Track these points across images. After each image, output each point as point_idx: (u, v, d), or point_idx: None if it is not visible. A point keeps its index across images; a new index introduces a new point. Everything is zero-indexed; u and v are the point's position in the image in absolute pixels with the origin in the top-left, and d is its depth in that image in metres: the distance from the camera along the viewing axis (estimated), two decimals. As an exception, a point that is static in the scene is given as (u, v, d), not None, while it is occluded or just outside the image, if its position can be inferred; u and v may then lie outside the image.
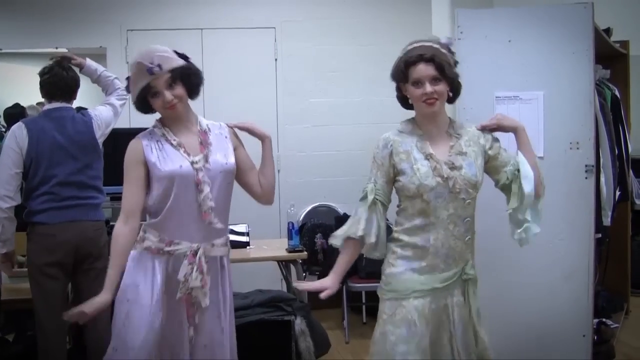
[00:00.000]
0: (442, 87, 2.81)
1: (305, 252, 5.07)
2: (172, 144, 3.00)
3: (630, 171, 5.43)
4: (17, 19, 6.20)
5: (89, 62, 4.29)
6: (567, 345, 4.06)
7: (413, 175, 2.83)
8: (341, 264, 2.98)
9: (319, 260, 6.00)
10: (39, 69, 4.17)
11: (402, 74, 2.85)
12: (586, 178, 4.02)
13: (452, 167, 2.84)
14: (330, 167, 6.41)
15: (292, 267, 5.22)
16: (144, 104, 2.99)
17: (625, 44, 5.66)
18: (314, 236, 6.04)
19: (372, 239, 2.88)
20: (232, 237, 5.15)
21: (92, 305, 2.86)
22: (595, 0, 3.98)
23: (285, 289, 5.59)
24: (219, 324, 3.10)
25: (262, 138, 3.23)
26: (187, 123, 3.07)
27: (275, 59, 6.54)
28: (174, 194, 2.95)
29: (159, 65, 2.88)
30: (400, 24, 6.43)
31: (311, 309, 4.71)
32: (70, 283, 4.10)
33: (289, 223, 5.11)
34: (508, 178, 2.96)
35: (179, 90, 2.95)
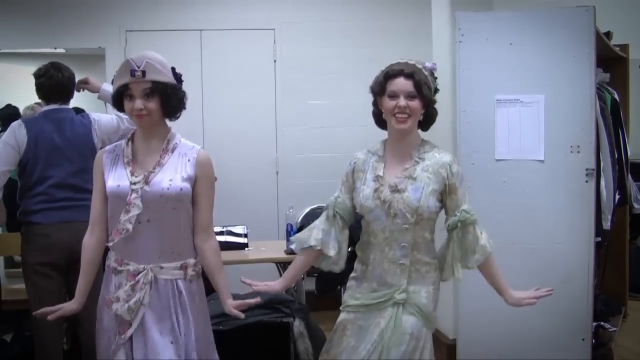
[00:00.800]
0: (416, 104, 2.82)
1: (305, 255, 5.05)
2: (123, 162, 2.99)
3: (629, 175, 5.42)
4: (16, 19, 6.19)
5: (104, 86, 4.27)
6: (567, 348, 4.07)
7: (358, 196, 2.91)
8: (292, 271, 3.14)
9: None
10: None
11: (380, 86, 2.89)
12: (586, 182, 4.02)
13: (395, 189, 2.86)
14: (329, 169, 6.37)
15: (291, 269, 5.20)
16: (118, 102, 2.96)
17: (624, 47, 5.67)
18: (312, 238, 6.02)
19: (331, 252, 2.97)
20: (230, 239, 5.20)
21: (58, 309, 2.96)
22: (595, 3, 3.99)
23: (283, 291, 5.59)
24: (172, 352, 2.97)
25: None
26: (152, 139, 3.00)
27: (274, 61, 6.52)
28: (112, 214, 2.96)
29: (143, 72, 2.83)
30: (400, 26, 6.44)
31: (310, 311, 4.70)
32: (65, 284, 4.09)
33: (287, 225, 5.09)
34: (450, 226, 2.95)
35: (153, 104, 2.88)
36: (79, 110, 4.47)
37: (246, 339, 4.34)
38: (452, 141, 4.48)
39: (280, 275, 5.42)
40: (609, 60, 5.38)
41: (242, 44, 6.48)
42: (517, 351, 4.10)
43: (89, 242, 3.03)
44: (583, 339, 4.04)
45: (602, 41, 4.60)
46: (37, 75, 4.06)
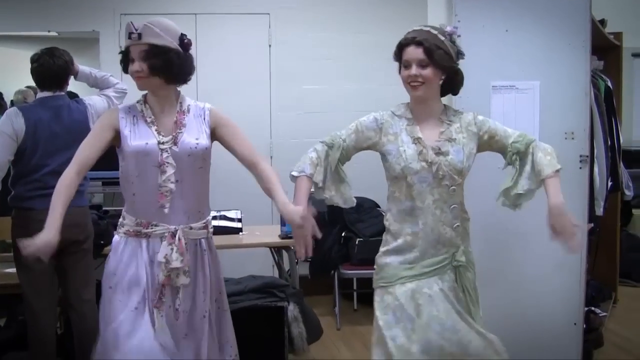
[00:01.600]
0: (428, 72, 2.84)
1: (299, 239, 5.07)
2: (146, 121, 2.99)
3: (621, 162, 5.46)
4: (9, 2, 6.15)
5: (81, 68, 4.28)
6: (558, 333, 4.11)
7: (399, 157, 2.88)
8: (300, 197, 2.97)
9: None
10: (30, 52, 4.14)
11: (396, 55, 2.93)
12: (580, 168, 4.05)
13: (438, 152, 2.88)
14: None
15: (285, 253, 5.23)
16: (124, 66, 3.00)
17: (618, 35, 5.70)
18: (306, 223, 6.04)
19: (318, 178, 2.97)
20: (225, 223, 5.21)
21: (37, 242, 2.81)
22: (590, -9, 4.01)
23: (277, 275, 5.61)
24: (196, 309, 3.06)
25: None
26: (166, 103, 3.04)
27: (269, 45, 6.51)
28: (138, 173, 2.95)
29: (139, 34, 2.87)
30: (396, 12, 6.43)
31: (304, 295, 4.73)
32: (55, 265, 4.09)
33: (282, 210, 5.09)
34: (516, 153, 3.03)
35: (147, 65, 2.91)
36: (72, 95, 4.47)
37: (241, 323, 4.32)
38: (447, 127, 4.49)
39: (274, 259, 5.45)
40: (603, 48, 5.40)
41: (237, 28, 6.47)
42: (510, 335, 4.11)
43: (73, 179, 2.96)
44: (575, 324, 4.08)
45: (596, 29, 4.62)
46: (32, 61, 4.06)
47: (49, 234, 2.82)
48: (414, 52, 2.83)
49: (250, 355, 4.34)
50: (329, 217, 5.94)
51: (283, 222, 5.05)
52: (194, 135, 3.01)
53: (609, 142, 4.92)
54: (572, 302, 4.09)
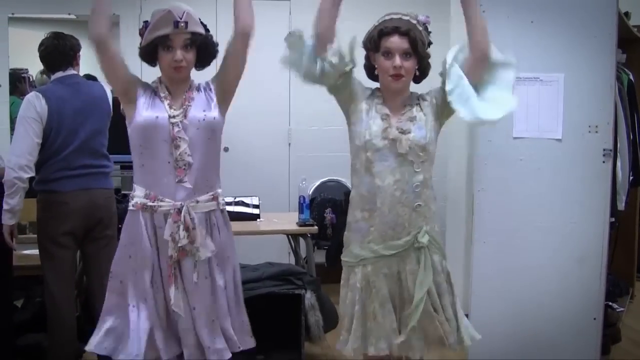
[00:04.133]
0: (410, 64, 2.83)
1: (316, 227, 5.08)
2: (159, 97, 2.99)
3: (643, 156, 5.41)
4: (30, -16, 6.16)
5: None
6: (578, 327, 4.08)
7: (366, 130, 2.86)
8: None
9: (327, 235, 6.01)
10: (50, 34, 4.17)
11: (374, 43, 2.87)
12: (603, 162, 4.01)
13: (401, 131, 2.85)
14: (341, 143, 6.23)
15: (302, 240, 5.23)
16: (151, 54, 2.96)
17: (642, 28, 5.64)
18: (323, 211, 6.05)
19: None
20: (242, 209, 5.21)
21: None
22: (615, -17, 3.96)
23: (293, 262, 5.60)
24: (207, 285, 3.05)
25: None
26: (181, 82, 3.04)
27: (289, 32, 6.48)
28: (147, 145, 2.95)
29: (186, 23, 2.87)
30: (419, 1, 6.38)
31: (321, 283, 4.72)
32: (80, 251, 4.11)
33: (300, 197, 5.09)
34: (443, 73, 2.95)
35: (191, 55, 2.95)
36: (90, 77, 4.49)
37: (258, 310, 4.32)
38: (470, 118, 4.47)
39: (291, 246, 5.46)
40: (627, 40, 5.34)
41: (257, 14, 6.29)
42: (529, 329, 4.12)
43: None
44: (594, 319, 4.06)
45: (621, 21, 4.57)
46: (39, 48, 4.08)
47: None
48: (399, 42, 2.81)
49: (266, 343, 4.35)
50: (346, 205, 5.90)
51: (301, 210, 5.05)
52: (202, 108, 3.01)
53: (631, 136, 4.88)
54: (592, 296, 4.06)
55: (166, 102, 2.97)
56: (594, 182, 4.03)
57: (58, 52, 4.02)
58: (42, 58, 4.06)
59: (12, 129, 5.61)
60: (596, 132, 3.99)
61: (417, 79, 2.96)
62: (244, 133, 6.30)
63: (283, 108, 6.56)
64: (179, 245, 2.92)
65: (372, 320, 2.91)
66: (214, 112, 3.04)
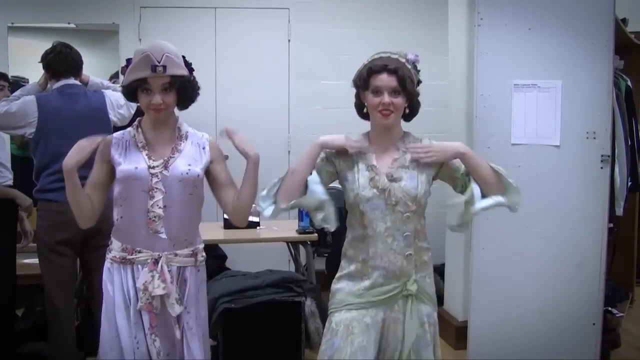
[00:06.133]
0: (399, 101, 2.79)
1: (316, 234, 5.09)
2: (137, 146, 2.94)
3: (640, 162, 5.43)
4: (30, -7, 6.19)
5: (92, 78, 4.35)
6: (577, 332, 4.09)
7: (353, 184, 2.83)
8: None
9: (327, 242, 6.02)
10: (49, 44, 4.19)
11: (363, 81, 2.83)
12: (601, 168, 4.02)
13: (392, 179, 2.82)
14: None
15: (302, 248, 5.24)
16: (132, 94, 2.92)
17: (639, 35, 5.66)
18: (323, 218, 6.04)
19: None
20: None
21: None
22: (613, -11, 3.99)
23: (293, 270, 5.62)
24: (176, 340, 3.00)
25: (246, 156, 2.98)
26: (165, 128, 2.99)
27: (289, 40, 6.52)
28: (126, 196, 2.91)
29: (164, 67, 2.81)
30: (416, 8, 6.42)
31: (321, 290, 4.73)
32: (79, 260, 4.12)
33: (300, 205, 5.10)
34: (461, 185, 2.92)
35: (171, 98, 2.88)
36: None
37: (258, 318, 4.37)
38: (469, 125, 4.49)
39: (290, 254, 5.48)
40: (624, 47, 5.36)
41: (257, 22, 6.47)
42: (528, 334, 4.13)
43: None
44: (594, 324, 4.07)
45: (618, 28, 4.59)
46: (46, 54, 4.11)
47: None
48: (387, 80, 2.77)
49: (266, 350, 4.38)
50: (347, 213, 5.93)
51: (300, 217, 5.07)
52: (187, 162, 2.94)
53: (629, 142, 4.89)
54: (591, 302, 4.07)
55: (144, 153, 2.93)
56: (592, 188, 4.05)
57: (69, 60, 4.07)
58: (50, 64, 4.08)
59: (12, 138, 5.64)
60: (594, 138, 4.01)
61: (407, 117, 2.94)
62: (244, 141, 6.31)
63: (282, 115, 6.59)
64: (152, 295, 2.88)
65: None
66: (199, 170, 2.96)
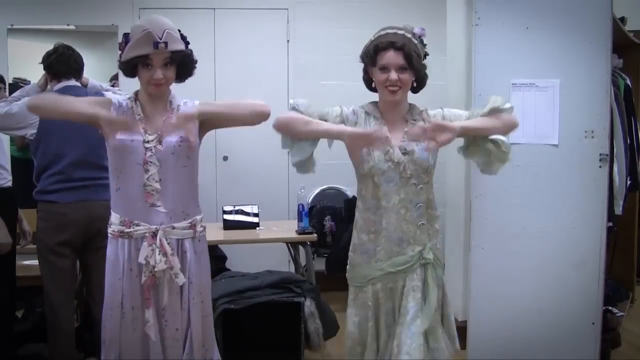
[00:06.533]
0: (407, 77, 2.85)
1: (316, 235, 5.09)
2: (134, 118, 2.96)
3: (640, 161, 5.42)
4: (29, -5, 6.19)
5: (92, 80, 4.39)
6: (576, 332, 4.09)
7: (368, 156, 2.87)
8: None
9: (327, 242, 6.02)
10: (50, 46, 4.19)
11: (370, 58, 2.89)
12: (600, 167, 4.02)
13: (404, 152, 2.88)
14: (340, 150, 6.32)
15: (301, 248, 5.24)
16: (131, 70, 2.93)
17: (638, 33, 5.65)
18: (323, 219, 6.05)
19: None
20: (242, 218, 5.24)
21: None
22: (611, -12, 3.98)
23: (292, 270, 5.62)
24: (180, 310, 3.04)
25: (191, 117, 2.93)
26: (159, 101, 3.02)
27: (288, 41, 6.52)
28: (122, 169, 2.95)
29: (166, 43, 2.83)
30: (415, 8, 6.42)
31: (320, 291, 4.73)
32: (79, 262, 4.13)
33: (299, 205, 5.11)
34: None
35: (171, 72, 2.93)
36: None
37: (257, 318, 4.37)
38: (467, 124, 4.48)
39: (290, 254, 5.47)
40: (623, 46, 5.36)
41: (256, 23, 6.47)
42: (528, 334, 4.13)
43: None
44: (593, 323, 4.07)
45: (616, 27, 4.59)
46: (47, 55, 4.11)
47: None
48: (394, 57, 2.82)
49: (266, 351, 4.39)
50: (346, 213, 5.95)
51: (300, 218, 5.07)
52: (178, 133, 2.95)
53: (628, 141, 4.88)
54: (590, 301, 4.07)
55: (141, 126, 2.95)
56: (591, 187, 4.05)
57: (70, 61, 4.08)
58: (51, 64, 4.09)
59: (12, 140, 5.65)
60: (592, 137, 4.01)
61: (415, 90, 2.98)
62: (243, 142, 6.32)
63: (281, 116, 6.57)
64: (156, 269, 2.91)
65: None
66: (191, 138, 2.94)
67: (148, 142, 2.92)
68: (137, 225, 2.95)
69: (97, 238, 4.00)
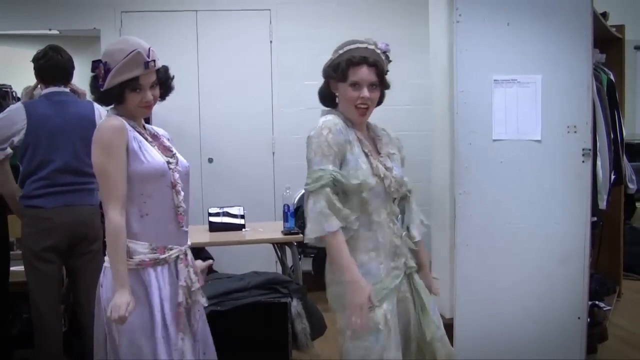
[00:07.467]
0: (376, 95, 2.82)
1: (301, 235, 5.08)
2: (147, 140, 2.86)
3: (624, 155, 5.44)
4: (10, 1, 6.15)
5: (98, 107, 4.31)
6: (562, 327, 4.09)
7: (358, 170, 2.76)
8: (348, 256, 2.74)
9: (313, 242, 6.01)
10: (32, 50, 4.15)
11: (342, 72, 2.78)
12: (583, 162, 4.02)
13: (386, 167, 2.86)
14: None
15: (288, 249, 5.23)
16: (117, 96, 2.78)
17: (620, 28, 5.68)
18: (308, 219, 6.05)
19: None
20: (228, 220, 5.23)
21: (123, 307, 2.59)
22: (592, -17, 3.99)
23: (280, 271, 5.61)
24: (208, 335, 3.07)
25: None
26: (139, 123, 2.93)
27: (271, 41, 6.52)
28: (153, 193, 2.80)
29: (154, 61, 2.77)
30: (397, 7, 6.43)
31: (307, 291, 4.72)
32: (65, 267, 4.10)
33: (284, 205, 5.11)
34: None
35: (157, 92, 2.86)
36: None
37: (244, 319, 4.36)
38: (450, 121, 4.48)
39: (277, 255, 5.46)
40: (605, 41, 5.39)
41: (238, 24, 6.47)
42: (514, 330, 4.13)
43: (123, 224, 2.69)
44: (579, 318, 4.07)
45: (598, 22, 4.60)
46: (37, 58, 4.05)
47: (126, 296, 2.62)
48: (367, 74, 2.76)
49: (253, 352, 4.37)
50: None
51: (286, 219, 5.06)
52: (181, 155, 2.98)
53: (612, 136, 4.90)
54: (575, 296, 4.07)
55: (155, 148, 2.87)
56: (575, 182, 4.05)
57: (58, 67, 4.03)
58: (40, 69, 4.04)
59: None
60: (575, 132, 4.01)
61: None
62: (228, 143, 6.33)
63: (266, 117, 6.59)
64: (193, 289, 2.87)
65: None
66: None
67: (170, 163, 2.86)
68: (171, 249, 2.85)
69: (83, 243, 3.98)
